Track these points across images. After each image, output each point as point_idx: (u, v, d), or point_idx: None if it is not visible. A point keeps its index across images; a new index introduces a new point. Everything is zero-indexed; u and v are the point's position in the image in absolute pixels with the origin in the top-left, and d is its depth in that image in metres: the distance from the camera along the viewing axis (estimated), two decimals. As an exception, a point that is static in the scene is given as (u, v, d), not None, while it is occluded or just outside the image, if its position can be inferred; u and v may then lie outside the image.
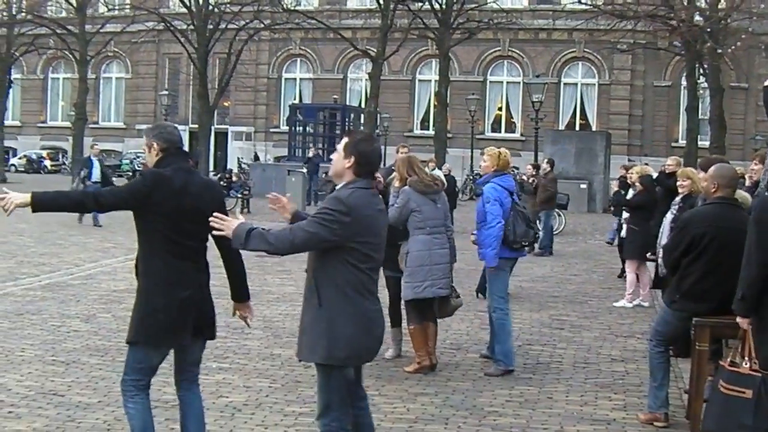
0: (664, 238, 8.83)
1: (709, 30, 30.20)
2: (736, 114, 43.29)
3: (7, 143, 49.48)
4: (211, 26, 38.22)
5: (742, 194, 7.04)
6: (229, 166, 45.69)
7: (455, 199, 21.53)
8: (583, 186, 32.30)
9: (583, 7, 36.24)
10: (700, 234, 6.40)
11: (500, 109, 51.53)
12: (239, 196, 28.23)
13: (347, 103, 47.74)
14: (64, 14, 46.11)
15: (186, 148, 5.43)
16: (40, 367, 8.03)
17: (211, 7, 38.28)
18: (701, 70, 32.64)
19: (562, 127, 48.11)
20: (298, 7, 41.88)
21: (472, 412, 7.01)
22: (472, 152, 44.61)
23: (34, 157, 55.54)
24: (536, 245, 16.52)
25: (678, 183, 9.42)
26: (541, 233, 18.40)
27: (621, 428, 6.74)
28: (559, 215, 21.32)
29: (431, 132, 43.67)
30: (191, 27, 38.52)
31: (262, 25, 40.04)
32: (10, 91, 47.74)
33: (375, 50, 36.43)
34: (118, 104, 58.19)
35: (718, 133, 31.01)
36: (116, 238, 18.74)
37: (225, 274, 5.38)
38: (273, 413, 6.84)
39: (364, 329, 4.80)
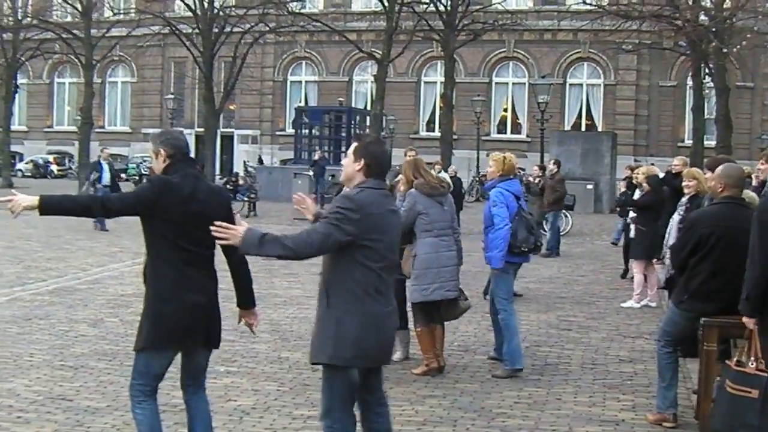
0: (671, 238, 8.82)
1: (714, 29, 30.17)
2: (742, 113, 43.18)
3: (13, 148, 49.65)
4: (216, 30, 38.30)
5: (749, 194, 7.02)
6: (235, 170, 45.76)
7: (461, 201, 21.53)
8: (590, 187, 32.26)
9: (588, 7, 36.23)
10: (707, 234, 6.38)
11: (506, 110, 51.54)
12: (246, 199, 28.22)
13: (353, 106, 47.78)
14: (69, 19, 46.19)
15: (192, 151, 5.45)
16: (48, 372, 8.04)
17: (216, 11, 38.34)
18: (707, 70, 32.61)
19: (567, 127, 48.09)
20: (303, 10, 41.99)
21: (481, 414, 7.01)
22: (478, 154, 44.66)
23: (40, 161, 55.70)
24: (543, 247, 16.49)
25: (684, 183, 9.40)
26: (548, 234, 18.42)
27: (630, 429, 6.73)
28: (566, 216, 21.30)
29: (437, 134, 43.75)
30: (196, 31, 38.60)
31: (268, 28, 40.12)
32: (16, 96, 47.86)
33: (380, 52, 36.48)
34: (124, 108, 58.35)
35: (724, 133, 30.98)
36: (123, 242, 18.76)
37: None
38: (281, 416, 6.84)
39: (371, 330, 4.80)
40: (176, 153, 5.16)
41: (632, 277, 13.19)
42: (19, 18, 44.77)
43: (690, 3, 32.07)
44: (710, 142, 33.76)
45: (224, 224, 4.74)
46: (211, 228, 4.71)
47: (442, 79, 40.70)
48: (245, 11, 38.79)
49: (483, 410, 7.11)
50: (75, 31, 42.08)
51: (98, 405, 7.02)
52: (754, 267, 5.35)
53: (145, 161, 46.52)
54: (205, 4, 37.87)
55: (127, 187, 24.49)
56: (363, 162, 4.86)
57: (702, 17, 31.69)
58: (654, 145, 48.06)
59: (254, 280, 5.46)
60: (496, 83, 51.13)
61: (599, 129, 47.26)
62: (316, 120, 41.36)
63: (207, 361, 5.38)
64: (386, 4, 35.53)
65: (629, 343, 9.93)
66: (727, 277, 6.20)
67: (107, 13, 46.21)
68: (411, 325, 8.54)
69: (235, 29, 38.54)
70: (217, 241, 4.82)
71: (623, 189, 16.06)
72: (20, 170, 53.38)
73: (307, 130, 41.55)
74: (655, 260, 11.14)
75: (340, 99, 47.14)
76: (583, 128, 48.20)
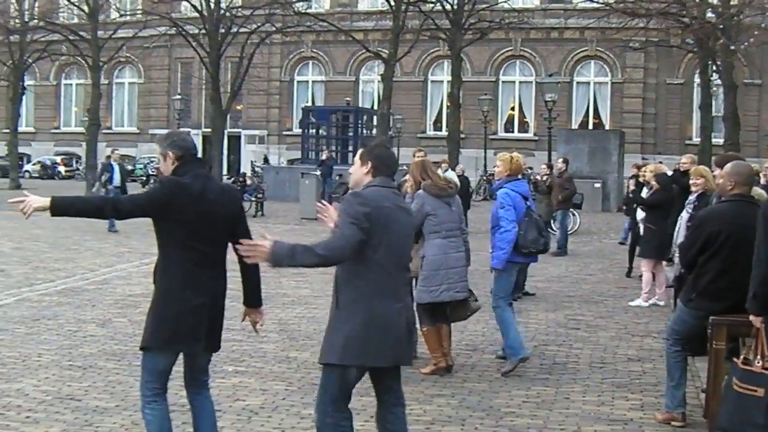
0: (680, 237, 8.79)
1: (721, 27, 30.07)
2: (750, 111, 43.07)
3: (21, 149, 49.77)
4: (222, 30, 38.32)
5: (758, 191, 7.00)
6: (242, 170, 45.79)
7: (469, 200, 21.52)
8: (597, 185, 32.22)
9: (595, 5, 36.10)
10: (716, 232, 6.36)
11: (513, 108, 51.52)
12: (253, 199, 28.23)
13: (360, 105, 47.76)
14: (76, 20, 46.26)
15: (200, 152, 5.47)
16: (57, 372, 8.06)
17: (222, 11, 38.35)
18: (714, 67, 32.50)
19: (575, 126, 48.07)
20: (309, 10, 42.00)
21: (489, 413, 7.00)
22: (485, 153, 44.65)
23: (48, 163, 55.85)
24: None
25: (691, 182, 9.38)
26: (557, 233, 18.40)
27: (638, 428, 6.71)
28: (574, 215, 21.27)
29: (444, 133, 43.75)
30: (203, 31, 38.61)
31: (274, 29, 40.16)
32: (24, 97, 48.00)
33: (387, 52, 36.44)
34: (131, 109, 58.49)
35: (732, 130, 30.86)
36: (131, 243, 18.80)
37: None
38: (290, 416, 6.84)
39: (377, 330, 4.80)
40: (185, 154, 5.17)
41: (639, 276, 13.17)
42: (26, 20, 44.89)
43: (697, 0, 31.98)
44: (718, 140, 33.67)
45: (250, 241, 4.80)
46: (238, 248, 4.74)
47: (449, 78, 40.72)
48: (252, 11, 38.82)
49: (491, 409, 7.11)
50: (82, 33, 42.12)
51: (107, 405, 7.03)
52: (761, 264, 5.33)
53: (152, 162, 46.62)
54: (212, 5, 37.89)
55: (134, 188, 24.56)
56: (370, 165, 4.95)
57: (709, 14, 31.59)
58: (662, 143, 47.99)
59: (262, 279, 5.47)
60: (503, 82, 51.10)
61: (607, 127, 47.23)
62: (323, 120, 41.34)
63: (208, 362, 5.38)
64: (393, 3, 35.49)
65: (637, 341, 9.91)
66: (736, 275, 6.16)
67: (114, 15, 46.31)
68: (417, 324, 8.53)
69: (242, 29, 38.58)
70: (236, 250, 4.82)
71: (633, 187, 15.92)
72: (28, 171, 53.50)
73: (314, 130, 41.54)
74: (664, 263, 11.11)
75: (347, 99, 47.18)
76: (591, 126, 48.18)
